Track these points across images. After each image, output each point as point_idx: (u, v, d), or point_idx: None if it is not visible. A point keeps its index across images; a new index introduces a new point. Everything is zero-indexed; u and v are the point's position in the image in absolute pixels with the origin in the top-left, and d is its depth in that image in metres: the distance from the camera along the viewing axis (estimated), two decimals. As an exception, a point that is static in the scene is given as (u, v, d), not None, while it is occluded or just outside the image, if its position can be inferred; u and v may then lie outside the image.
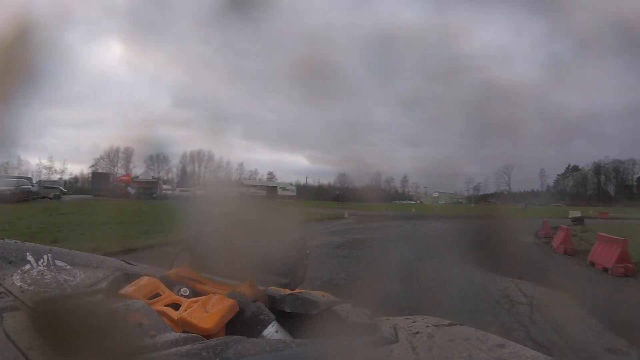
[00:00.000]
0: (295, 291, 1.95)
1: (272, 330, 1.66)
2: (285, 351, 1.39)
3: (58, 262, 1.91)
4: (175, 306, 1.66)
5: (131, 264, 2.24)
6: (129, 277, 1.92)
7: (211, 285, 1.86)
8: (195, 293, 1.83)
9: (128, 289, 1.76)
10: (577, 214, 38.89)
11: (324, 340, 1.54)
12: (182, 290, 1.83)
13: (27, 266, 1.85)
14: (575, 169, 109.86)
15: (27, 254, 1.90)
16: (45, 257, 1.90)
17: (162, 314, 1.58)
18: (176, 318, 1.58)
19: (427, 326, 1.67)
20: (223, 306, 1.64)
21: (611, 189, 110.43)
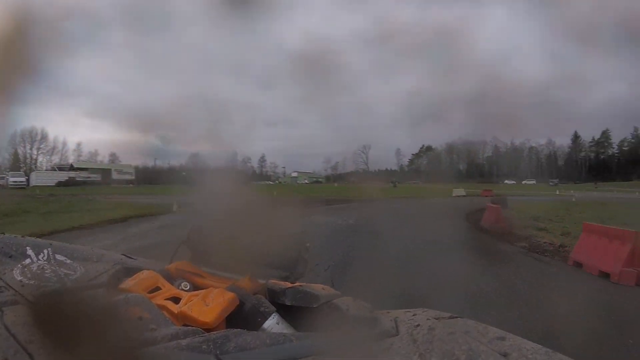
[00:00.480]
0: (296, 284, 1.95)
1: (273, 322, 1.67)
2: (286, 344, 1.39)
3: (58, 256, 1.91)
4: (176, 300, 1.66)
5: (131, 258, 2.24)
6: (129, 271, 1.92)
7: (211, 279, 1.86)
8: (195, 287, 1.83)
9: (128, 282, 1.76)
10: (461, 191, 38.98)
11: (324, 334, 1.55)
12: (182, 284, 1.83)
13: (27, 260, 1.85)
14: (429, 148, 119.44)
15: (27, 248, 1.90)
16: (45, 251, 1.90)
17: (163, 307, 1.58)
18: (176, 312, 1.58)
19: (427, 319, 1.67)
20: (223, 299, 1.64)
21: (463, 167, 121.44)
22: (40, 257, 1.87)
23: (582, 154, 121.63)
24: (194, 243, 1.97)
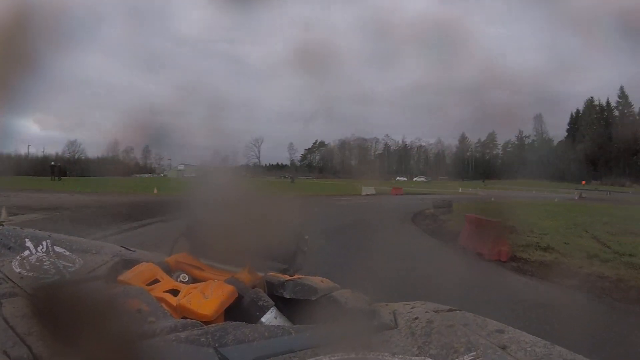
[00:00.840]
0: (294, 277, 1.95)
1: (271, 316, 1.67)
2: (284, 337, 1.39)
3: (57, 248, 1.91)
4: (174, 292, 1.66)
5: (130, 250, 2.24)
6: (128, 263, 1.91)
7: (210, 272, 1.86)
8: (194, 279, 1.83)
9: (127, 275, 1.76)
10: (370, 190, 37.90)
11: (323, 326, 1.55)
12: (181, 276, 1.82)
13: (26, 252, 1.85)
14: (322, 144, 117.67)
15: (26, 240, 1.90)
16: (44, 243, 1.90)
17: (161, 300, 1.58)
18: (175, 304, 1.58)
19: (426, 312, 1.67)
20: (222, 292, 1.64)
21: (354, 163, 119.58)
22: (39, 249, 1.87)
23: (468, 153, 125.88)
24: (192, 236, 1.96)
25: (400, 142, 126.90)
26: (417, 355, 1.33)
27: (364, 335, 1.50)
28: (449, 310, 1.72)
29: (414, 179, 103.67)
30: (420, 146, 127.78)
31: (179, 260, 1.92)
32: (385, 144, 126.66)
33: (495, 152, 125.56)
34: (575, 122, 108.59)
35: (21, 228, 2.04)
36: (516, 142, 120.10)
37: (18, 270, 1.73)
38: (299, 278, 1.95)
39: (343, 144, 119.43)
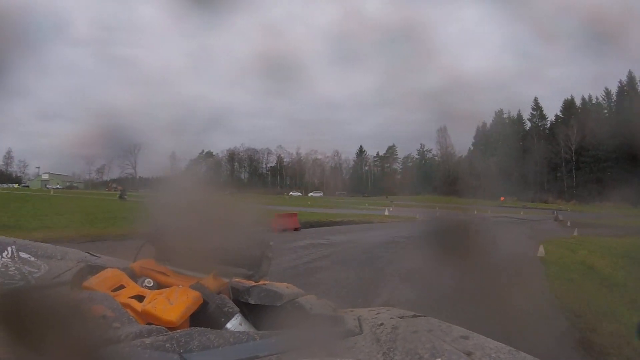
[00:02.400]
0: (260, 283, 1.97)
1: (236, 323, 1.68)
2: (249, 343, 1.41)
3: (22, 254, 1.89)
4: (140, 298, 1.66)
5: (95, 256, 2.23)
6: (93, 269, 1.91)
7: (175, 277, 1.86)
8: (159, 285, 1.83)
9: (92, 280, 1.75)
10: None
11: (288, 332, 1.57)
12: (146, 281, 1.83)
13: None
14: (210, 154, 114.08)
15: None
16: (9, 248, 1.88)
17: (126, 305, 1.59)
18: (140, 310, 1.59)
19: (391, 318, 1.70)
20: (187, 298, 1.65)
21: (244, 176, 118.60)
22: (4, 254, 1.85)
23: (366, 167, 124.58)
24: (158, 241, 1.96)
25: (295, 154, 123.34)
26: None
27: (328, 341, 1.52)
28: (414, 316, 1.75)
29: (310, 194, 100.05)
30: (316, 159, 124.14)
31: (144, 266, 1.92)
32: (279, 156, 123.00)
33: (394, 167, 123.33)
34: (482, 135, 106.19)
35: None
36: (417, 157, 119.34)
37: None
38: (264, 284, 1.97)
39: (232, 156, 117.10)
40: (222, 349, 1.36)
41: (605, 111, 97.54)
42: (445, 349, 1.38)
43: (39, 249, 2.00)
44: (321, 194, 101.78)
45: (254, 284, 1.96)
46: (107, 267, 1.87)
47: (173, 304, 1.61)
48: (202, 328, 1.45)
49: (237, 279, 1.98)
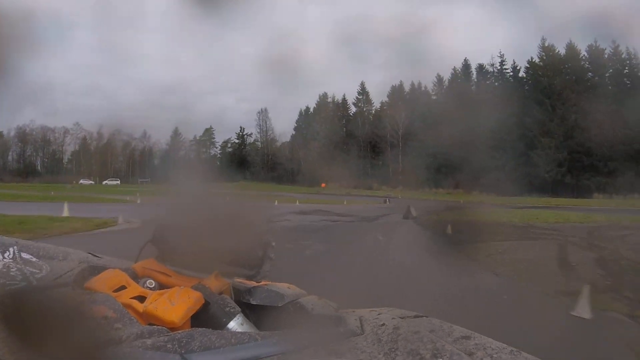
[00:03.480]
0: (261, 283, 1.97)
1: (238, 323, 1.68)
2: (251, 343, 1.41)
3: (24, 255, 1.89)
4: (141, 299, 1.66)
5: (97, 257, 2.23)
6: (95, 270, 1.91)
7: (177, 278, 1.86)
8: (161, 286, 1.83)
9: (94, 281, 1.75)
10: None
11: (289, 332, 1.57)
12: (147, 282, 1.83)
13: None
14: None
15: None
16: (11, 249, 1.88)
17: (128, 306, 1.59)
18: (141, 310, 1.59)
19: (392, 318, 1.70)
20: (188, 299, 1.65)
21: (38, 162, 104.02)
22: (5, 255, 1.85)
23: (182, 152, 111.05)
24: (159, 241, 1.96)
25: (95, 134, 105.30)
26: None
27: (330, 341, 1.52)
28: (416, 316, 1.75)
29: (105, 182, 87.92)
30: (122, 141, 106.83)
31: (146, 266, 1.92)
32: (83, 138, 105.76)
33: (212, 152, 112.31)
34: (305, 119, 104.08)
35: None
36: (236, 141, 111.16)
37: None
38: (265, 284, 1.97)
39: (21, 134, 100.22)
40: (224, 350, 1.36)
41: (434, 97, 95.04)
42: (447, 350, 1.38)
43: (41, 250, 2.00)
44: (118, 182, 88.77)
45: (255, 284, 1.97)
46: (108, 268, 1.87)
47: (174, 304, 1.61)
48: (204, 329, 1.45)
49: (238, 280, 1.98)
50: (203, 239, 1.84)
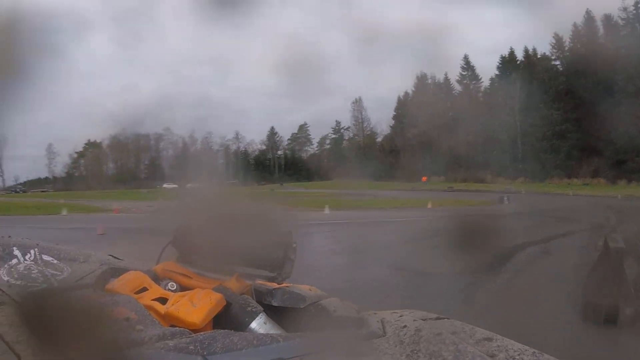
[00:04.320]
0: (282, 285, 1.96)
1: (261, 322, 1.68)
2: (273, 345, 1.40)
3: (45, 257, 1.90)
4: (163, 300, 1.66)
5: (118, 259, 2.24)
6: (116, 272, 1.91)
7: (198, 280, 1.86)
8: (182, 287, 1.83)
9: (115, 283, 1.76)
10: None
11: (311, 334, 1.56)
12: (169, 284, 1.83)
13: (14, 261, 1.84)
14: (94, 144, 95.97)
15: (14, 248, 1.89)
16: (32, 251, 1.89)
17: (149, 308, 1.59)
18: (163, 312, 1.59)
19: (414, 320, 1.69)
20: (210, 300, 1.64)
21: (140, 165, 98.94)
22: (27, 257, 1.86)
23: (280, 152, 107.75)
24: (180, 243, 1.96)
25: (187, 138, 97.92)
26: None
27: (352, 343, 1.51)
28: (437, 318, 1.74)
29: (163, 186, 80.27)
30: (212, 143, 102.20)
31: (167, 268, 1.92)
32: (178, 142, 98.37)
33: (311, 150, 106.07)
34: (404, 105, 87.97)
35: (9, 236, 2.04)
36: (333, 136, 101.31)
37: (6, 278, 1.72)
38: (287, 286, 1.96)
39: (115, 143, 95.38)
40: (246, 351, 1.35)
41: (555, 62, 76.28)
42: (469, 352, 1.37)
43: (62, 252, 2.01)
44: (177, 186, 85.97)
45: (277, 286, 1.96)
46: (129, 270, 1.87)
47: (196, 306, 1.60)
48: (226, 330, 1.44)
49: (259, 282, 1.97)
50: (223, 240, 1.83)
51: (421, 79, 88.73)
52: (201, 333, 1.43)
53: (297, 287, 1.98)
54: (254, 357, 1.35)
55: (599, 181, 51.39)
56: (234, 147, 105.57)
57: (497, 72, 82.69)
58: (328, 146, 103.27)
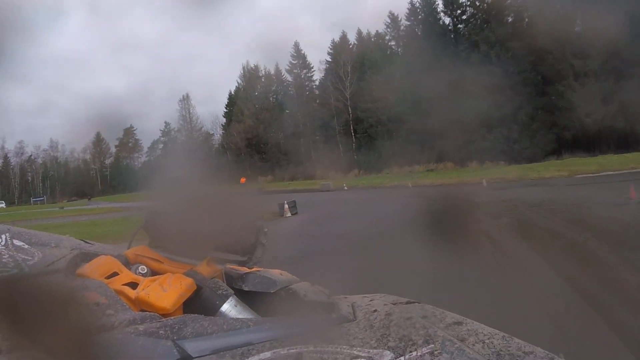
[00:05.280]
0: (253, 270, 1.98)
1: (232, 305, 1.69)
2: (243, 329, 1.42)
3: (16, 242, 1.89)
4: (133, 285, 1.67)
5: (89, 243, 2.23)
6: (87, 256, 1.91)
7: (169, 264, 1.86)
8: (153, 272, 1.83)
9: (86, 268, 1.76)
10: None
11: (282, 319, 1.58)
12: (139, 269, 1.83)
13: None
14: None
15: None
16: (3, 236, 1.88)
17: (120, 293, 1.59)
18: (134, 297, 1.59)
19: (384, 304, 1.71)
20: (180, 285, 1.65)
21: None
22: None
23: (109, 160, 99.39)
24: (151, 228, 1.96)
25: None
26: (375, 348, 1.35)
27: (322, 328, 1.53)
28: (408, 302, 1.76)
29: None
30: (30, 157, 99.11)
31: (138, 253, 1.92)
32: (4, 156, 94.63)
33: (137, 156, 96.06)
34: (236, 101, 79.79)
35: None
36: (163, 139, 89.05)
37: None
38: (257, 270, 1.98)
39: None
40: (216, 336, 1.37)
41: (391, 42, 68.87)
42: (439, 335, 1.38)
43: (33, 237, 1.99)
44: (3, 205, 78.93)
45: (248, 270, 1.97)
46: (100, 255, 1.87)
47: (167, 291, 1.61)
48: (196, 315, 1.46)
49: (230, 266, 1.98)
50: (195, 225, 1.84)
51: (252, 71, 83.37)
52: (171, 318, 1.45)
53: (268, 271, 2.00)
54: (224, 342, 1.37)
55: (445, 165, 44.27)
56: (46, 158, 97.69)
57: (328, 59, 75.91)
58: (160, 151, 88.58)
